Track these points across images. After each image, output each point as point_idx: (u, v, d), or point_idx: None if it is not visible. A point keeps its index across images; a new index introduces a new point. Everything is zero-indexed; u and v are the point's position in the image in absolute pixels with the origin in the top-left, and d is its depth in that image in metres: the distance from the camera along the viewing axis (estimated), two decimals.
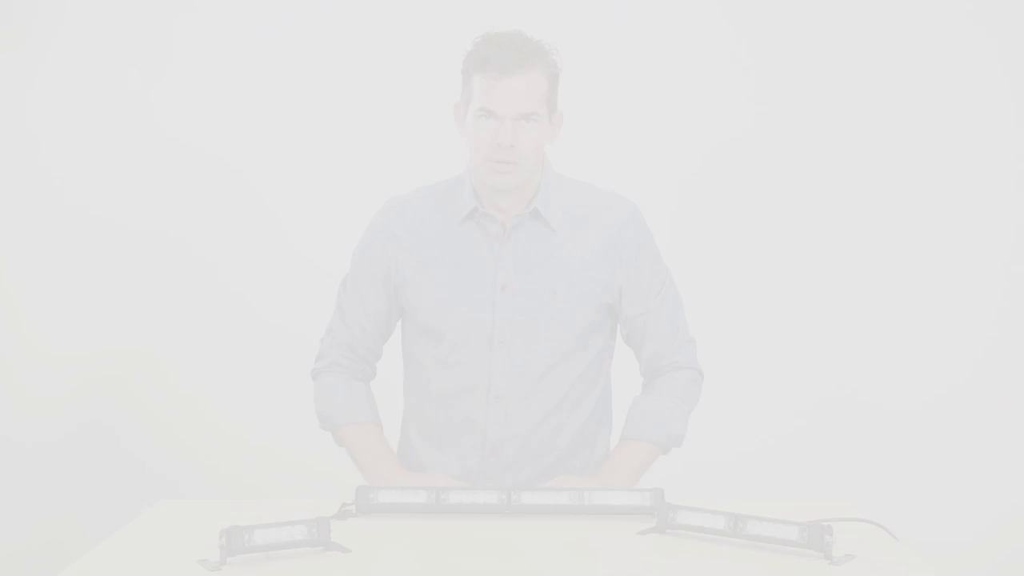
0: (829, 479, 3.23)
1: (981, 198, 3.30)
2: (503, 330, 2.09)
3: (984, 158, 3.29)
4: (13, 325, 3.24)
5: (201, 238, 3.28)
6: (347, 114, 3.26)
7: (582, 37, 3.12)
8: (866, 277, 3.30)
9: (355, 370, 2.23)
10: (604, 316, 2.16)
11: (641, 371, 2.24)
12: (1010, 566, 3.30)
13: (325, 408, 2.20)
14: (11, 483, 3.27)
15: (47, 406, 3.28)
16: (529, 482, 2.14)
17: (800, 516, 1.79)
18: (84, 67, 3.26)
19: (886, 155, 3.29)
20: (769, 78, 3.28)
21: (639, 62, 3.27)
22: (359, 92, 3.26)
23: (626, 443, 2.16)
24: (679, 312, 2.20)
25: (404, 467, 2.19)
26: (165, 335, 3.29)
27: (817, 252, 3.29)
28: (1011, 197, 3.30)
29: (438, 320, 2.11)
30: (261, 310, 3.28)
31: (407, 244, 2.13)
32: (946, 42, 3.27)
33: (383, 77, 3.24)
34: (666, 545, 1.82)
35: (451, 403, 2.14)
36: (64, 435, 3.28)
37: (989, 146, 3.29)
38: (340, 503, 1.96)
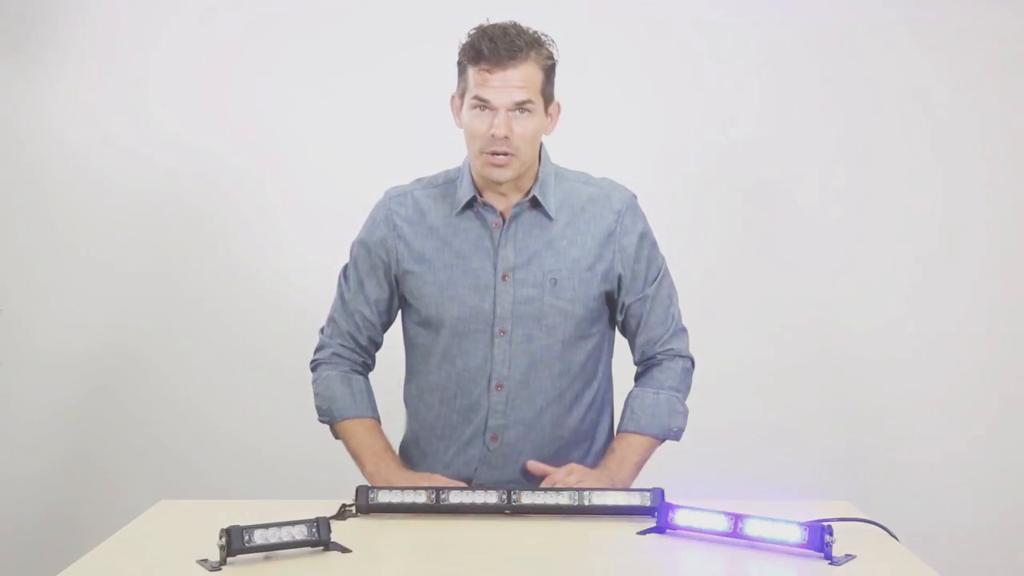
0: (829, 479, 3.23)
1: (985, 197, 3.30)
2: (504, 320, 2.10)
3: (987, 155, 3.30)
4: (10, 327, 3.23)
5: (197, 240, 3.27)
6: (346, 106, 3.25)
7: (580, 31, 3.12)
8: (869, 274, 3.29)
9: (356, 361, 2.24)
10: (603, 305, 2.18)
11: (635, 360, 2.25)
12: (1010, 566, 3.30)
13: (324, 401, 2.21)
14: (11, 483, 3.27)
15: (46, 406, 3.28)
16: (529, 473, 2.15)
17: (800, 516, 1.79)
18: (78, 62, 3.25)
19: (891, 153, 3.29)
20: (770, 69, 3.28)
21: (636, 56, 3.26)
22: (358, 83, 3.25)
23: (629, 436, 2.16)
24: (674, 300, 2.23)
25: (405, 460, 2.21)
26: (164, 335, 3.28)
27: (820, 248, 3.29)
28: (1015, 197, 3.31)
29: (439, 310, 2.13)
30: (258, 309, 3.27)
31: (407, 234, 2.15)
32: (944, 40, 3.28)
33: (384, 68, 3.23)
34: (666, 545, 1.83)
35: (453, 392, 2.16)
36: (63, 435, 3.28)
37: (991, 143, 3.30)
38: (340, 503, 1.97)
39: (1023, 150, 3.30)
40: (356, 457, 2.17)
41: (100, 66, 3.26)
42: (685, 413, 2.20)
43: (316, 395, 2.23)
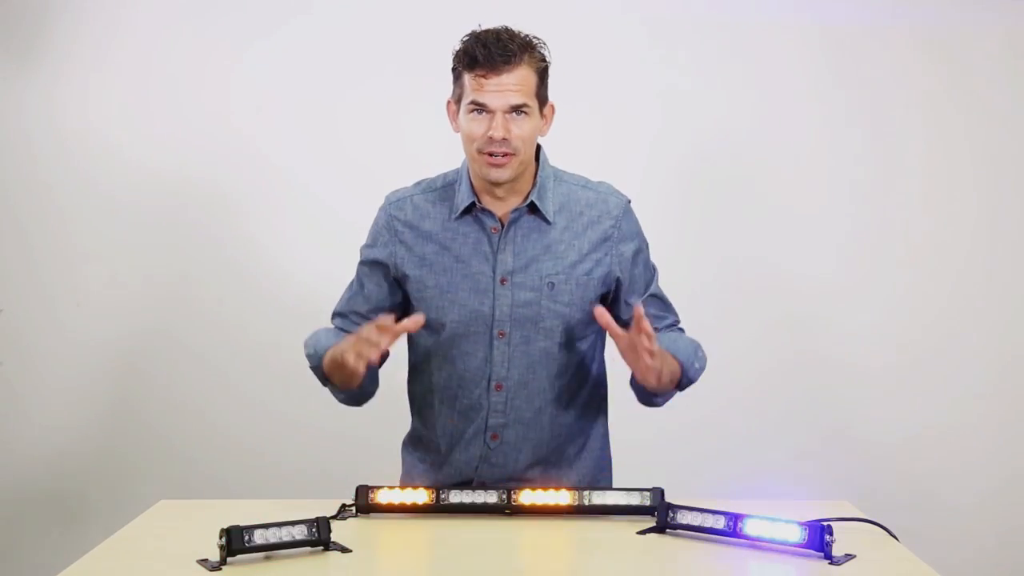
0: (829, 479, 3.23)
1: (976, 199, 3.30)
2: (503, 323, 2.13)
3: (979, 159, 3.30)
4: (10, 327, 3.23)
5: (198, 241, 3.27)
6: (348, 106, 3.25)
7: (573, 32, 3.13)
8: (870, 273, 3.29)
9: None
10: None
11: None
12: (1010, 566, 3.30)
13: (309, 348, 2.18)
14: (11, 483, 3.27)
15: (46, 406, 3.28)
16: (529, 466, 2.17)
17: (800, 516, 1.79)
18: (79, 63, 3.24)
19: (884, 155, 3.29)
20: (767, 71, 3.28)
21: (629, 56, 3.27)
22: (359, 83, 3.24)
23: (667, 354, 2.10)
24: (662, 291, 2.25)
25: (409, 456, 2.25)
26: (164, 335, 3.28)
27: (820, 247, 3.29)
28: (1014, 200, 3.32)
29: (439, 313, 2.15)
30: (259, 310, 3.27)
31: (408, 239, 2.17)
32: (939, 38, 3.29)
33: (385, 68, 3.23)
34: (666, 545, 1.83)
35: (453, 393, 2.18)
36: (63, 435, 3.28)
37: (984, 146, 3.30)
38: (340, 503, 1.97)
39: (1015, 153, 3.30)
40: (329, 374, 2.13)
41: (101, 66, 3.25)
42: (704, 360, 2.17)
43: (305, 345, 2.19)
